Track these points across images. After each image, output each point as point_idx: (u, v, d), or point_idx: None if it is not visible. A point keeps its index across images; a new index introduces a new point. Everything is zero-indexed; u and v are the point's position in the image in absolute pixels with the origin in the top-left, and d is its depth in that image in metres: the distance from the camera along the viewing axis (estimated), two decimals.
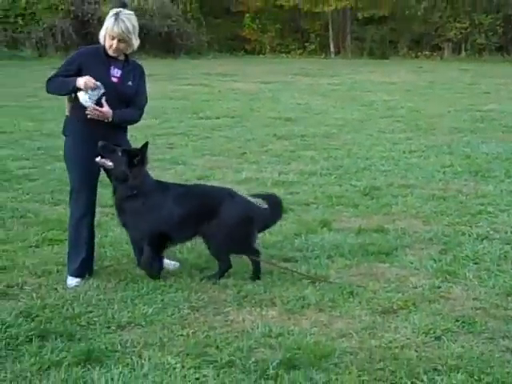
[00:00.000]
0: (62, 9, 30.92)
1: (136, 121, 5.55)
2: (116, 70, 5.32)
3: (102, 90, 5.15)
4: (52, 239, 6.33)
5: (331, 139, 11.90)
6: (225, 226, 5.32)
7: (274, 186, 8.46)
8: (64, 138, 5.54)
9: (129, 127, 5.66)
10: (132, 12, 5.40)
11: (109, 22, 5.22)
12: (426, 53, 34.80)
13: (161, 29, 30.22)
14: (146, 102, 5.59)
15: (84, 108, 5.19)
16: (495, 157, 10.15)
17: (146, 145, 5.36)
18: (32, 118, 14.05)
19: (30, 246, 6.17)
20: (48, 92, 5.41)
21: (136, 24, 5.32)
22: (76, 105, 5.27)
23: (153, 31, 30.11)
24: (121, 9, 5.33)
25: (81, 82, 5.11)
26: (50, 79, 5.36)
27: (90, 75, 5.15)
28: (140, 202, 5.29)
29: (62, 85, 5.26)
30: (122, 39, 5.20)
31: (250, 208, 5.51)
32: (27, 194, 8.00)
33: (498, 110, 15.33)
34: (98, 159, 5.23)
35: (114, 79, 5.32)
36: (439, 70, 26.60)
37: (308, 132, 12.49)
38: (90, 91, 5.11)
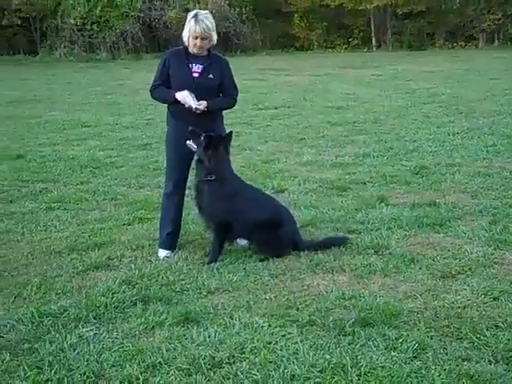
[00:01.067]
0: (131, 15, 31.24)
1: (230, 107, 5.65)
2: (197, 65, 5.38)
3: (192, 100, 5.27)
4: (141, 218, 6.47)
5: (380, 124, 11.80)
6: (274, 241, 5.27)
7: (332, 168, 8.47)
8: (167, 127, 5.65)
9: None
10: (207, 11, 5.47)
11: (190, 23, 5.27)
12: (462, 43, 34.08)
13: (219, 30, 30.20)
14: (237, 90, 5.64)
15: (176, 102, 5.32)
16: None
17: (230, 134, 5.40)
18: (111, 112, 14.28)
19: (123, 224, 6.32)
20: (153, 98, 5.60)
21: (213, 21, 5.37)
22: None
23: None
24: (197, 10, 5.42)
25: (179, 96, 5.26)
26: (153, 87, 5.50)
27: (174, 75, 5.35)
28: (215, 188, 5.28)
29: (165, 96, 5.45)
30: (204, 37, 5.26)
31: (295, 230, 5.48)
32: (115, 179, 8.17)
33: None
34: (187, 142, 5.31)
35: (195, 74, 5.37)
36: (475, 59, 26.03)
37: (358, 119, 12.40)
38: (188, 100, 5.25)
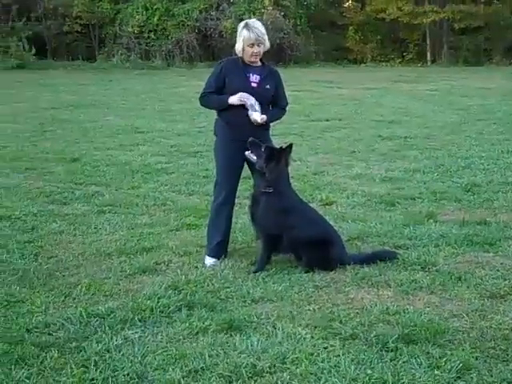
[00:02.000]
0: (188, 25, 31.66)
1: (280, 118, 5.74)
2: (255, 75, 5.44)
3: (252, 99, 5.32)
4: (190, 224, 6.55)
5: (432, 140, 11.66)
6: (323, 260, 5.25)
7: (381, 182, 8.41)
8: (215, 137, 5.73)
9: None
10: (256, 19, 5.55)
11: (243, 33, 5.33)
12: None
13: (273, 41, 30.38)
14: (287, 102, 5.72)
15: (228, 112, 5.40)
16: None
17: (290, 146, 5.39)
18: (164, 119, 14.51)
19: (172, 230, 6.41)
20: (202, 105, 5.65)
21: (264, 27, 5.46)
22: (223, 110, 5.48)
23: None
24: (246, 20, 5.50)
25: (234, 99, 5.32)
26: (204, 94, 5.53)
27: (232, 84, 5.37)
28: (271, 201, 5.30)
29: (219, 102, 5.48)
30: (260, 43, 5.32)
31: (344, 253, 5.42)
32: (165, 185, 8.29)
33: None
34: (246, 153, 5.35)
35: (254, 84, 5.43)
36: None
37: (410, 133, 12.28)
38: (253, 106, 5.30)
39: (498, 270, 5.16)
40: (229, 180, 5.57)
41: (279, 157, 5.30)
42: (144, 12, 31.93)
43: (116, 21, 32.58)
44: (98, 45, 33.65)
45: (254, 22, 5.40)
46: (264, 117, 5.35)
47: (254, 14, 30.78)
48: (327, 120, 14.20)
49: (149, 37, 31.86)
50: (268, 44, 5.45)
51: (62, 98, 18.30)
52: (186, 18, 31.70)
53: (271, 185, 5.29)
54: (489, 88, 20.99)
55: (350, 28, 35.84)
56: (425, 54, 34.93)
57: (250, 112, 5.34)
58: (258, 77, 5.44)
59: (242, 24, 5.44)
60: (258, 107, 5.34)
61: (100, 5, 32.61)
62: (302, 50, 32.49)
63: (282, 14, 31.71)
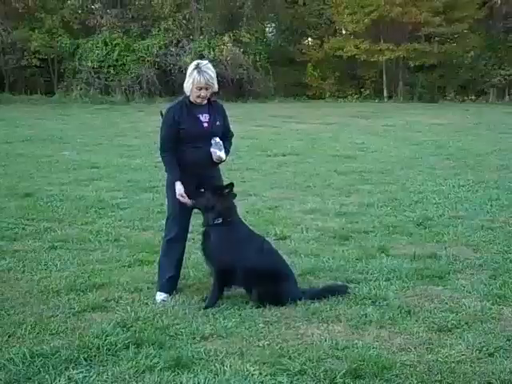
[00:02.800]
0: (147, 60, 31.77)
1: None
2: (204, 115, 5.47)
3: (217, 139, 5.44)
4: (142, 260, 6.49)
5: (386, 175, 11.84)
6: (276, 294, 5.24)
7: (336, 216, 8.47)
8: (166, 174, 5.70)
9: None
10: (207, 61, 5.56)
11: (193, 75, 5.33)
12: (472, 97, 34.36)
13: (233, 76, 30.71)
14: (232, 133, 5.79)
15: (181, 151, 5.46)
16: None
17: (231, 184, 5.51)
18: (121, 154, 14.43)
19: (124, 266, 6.33)
20: (161, 156, 5.59)
21: (214, 71, 5.48)
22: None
23: (226, 79, 30.59)
24: (198, 61, 5.52)
25: (179, 189, 5.40)
26: (165, 153, 5.52)
27: (185, 128, 5.38)
28: (221, 233, 5.32)
29: (171, 173, 5.55)
30: (208, 87, 5.36)
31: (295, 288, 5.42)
32: (119, 221, 8.21)
33: None
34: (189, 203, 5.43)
35: (205, 124, 5.46)
36: (484, 113, 26.16)
37: (365, 168, 12.45)
38: (218, 144, 5.44)
39: (446, 303, 5.22)
40: (180, 216, 5.56)
41: (222, 192, 5.38)
42: (104, 47, 31.95)
43: (75, 55, 32.48)
44: (57, 79, 33.45)
45: (205, 65, 5.40)
46: (222, 157, 5.44)
47: (213, 50, 31.13)
48: (284, 155, 14.31)
49: (108, 72, 31.84)
50: (216, 87, 5.47)
51: (17, 133, 18.07)
52: (145, 54, 31.82)
53: (219, 216, 5.32)
54: (442, 124, 21.49)
55: (309, 65, 36.40)
56: (381, 90, 35.64)
57: (213, 149, 5.41)
58: (207, 115, 5.48)
59: (192, 65, 5.44)
60: (220, 145, 5.43)
61: (59, 39, 32.52)
62: (261, 85, 32.85)
63: (242, 50, 32.07)
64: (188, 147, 5.43)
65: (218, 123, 5.51)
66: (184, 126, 5.41)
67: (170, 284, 5.56)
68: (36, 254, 6.73)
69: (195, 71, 5.34)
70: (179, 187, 5.39)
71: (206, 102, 5.51)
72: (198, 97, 5.39)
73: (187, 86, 5.40)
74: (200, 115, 5.46)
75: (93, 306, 5.19)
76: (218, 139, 5.44)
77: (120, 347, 4.35)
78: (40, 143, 16.13)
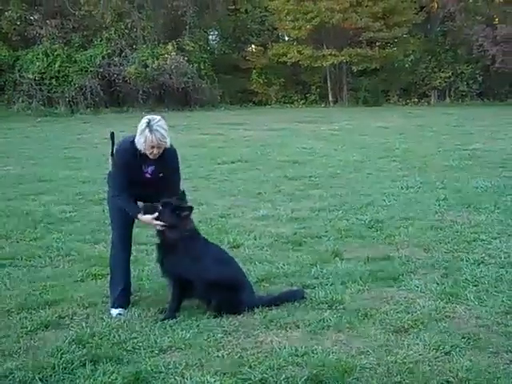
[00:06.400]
0: (90, 71, 31.35)
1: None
2: (149, 167, 5.41)
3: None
4: (95, 274, 6.37)
5: (336, 179, 11.96)
6: (233, 303, 5.24)
7: (288, 222, 8.50)
8: (107, 187, 5.65)
9: None
10: (159, 117, 5.37)
11: (145, 133, 5.17)
12: (415, 100, 35.09)
13: (178, 85, 30.55)
14: (180, 177, 5.66)
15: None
16: (484, 190, 10.20)
17: (183, 192, 5.49)
18: (68, 167, 14.16)
19: (77, 281, 6.21)
20: (114, 198, 5.56)
21: (166, 127, 5.31)
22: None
23: (171, 87, 30.48)
24: (149, 117, 5.29)
25: (144, 219, 5.38)
26: (120, 192, 5.47)
27: (129, 175, 5.36)
28: (181, 246, 5.27)
29: (131, 208, 5.48)
30: (160, 145, 5.25)
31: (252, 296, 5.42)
32: (70, 235, 8.04)
33: (483, 149, 15.41)
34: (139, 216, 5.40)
35: (147, 175, 5.43)
36: (427, 115, 26.74)
37: (315, 173, 12.54)
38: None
39: (401, 304, 5.29)
40: (123, 230, 5.56)
41: (179, 207, 5.33)
42: (45, 58, 31.34)
43: (15, 67, 31.78)
44: None
45: (157, 123, 5.21)
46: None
47: (157, 59, 30.89)
48: (233, 162, 14.28)
49: (50, 83, 31.24)
50: (169, 143, 5.32)
51: None
52: (88, 64, 31.36)
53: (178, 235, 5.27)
54: (387, 127, 21.84)
55: (254, 71, 36.54)
56: (327, 95, 36.05)
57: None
58: (152, 167, 5.41)
59: (144, 122, 5.23)
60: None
61: None
62: (206, 93, 32.78)
63: (186, 58, 31.95)
64: (133, 188, 5.42)
65: (161, 175, 5.44)
66: (128, 171, 5.37)
67: (123, 297, 5.49)
68: None
69: (147, 129, 5.17)
70: (146, 217, 5.35)
71: None
72: (151, 154, 5.28)
73: (139, 143, 5.23)
74: (145, 165, 5.39)
75: (46, 323, 5.06)
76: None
77: (76, 365, 4.26)
78: None
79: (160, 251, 5.43)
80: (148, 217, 5.33)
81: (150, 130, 5.17)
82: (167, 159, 5.45)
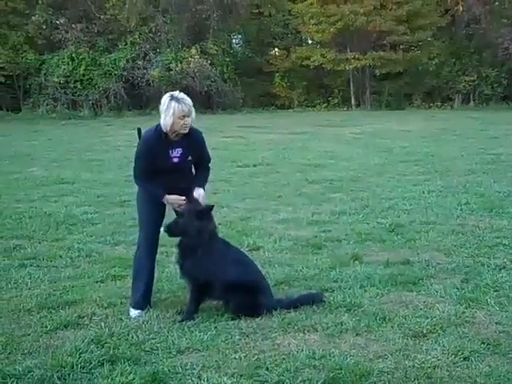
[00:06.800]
0: (114, 74, 31.63)
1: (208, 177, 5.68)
2: (177, 150, 5.36)
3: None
4: (115, 275, 6.41)
5: (357, 182, 11.91)
6: (252, 306, 5.20)
7: (308, 225, 8.48)
8: (138, 187, 5.65)
9: None
10: (179, 91, 5.44)
11: (171, 105, 5.18)
12: (438, 103, 34.90)
13: (201, 88, 30.71)
14: (210, 159, 5.66)
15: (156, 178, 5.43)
16: (507, 195, 10.08)
17: (211, 207, 5.42)
18: (91, 169, 14.31)
19: (96, 282, 6.24)
20: (137, 184, 5.55)
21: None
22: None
23: (194, 91, 30.59)
24: (170, 93, 5.34)
25: (172, 200, 5.38)
26: (141, 180, 5.46)
27: (155, 161, 5.31)
28: (201, 249, 5.26)
29: (154, 195, 5.45)
30: (190, 113, 5.24)
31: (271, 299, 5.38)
32: (91, 236, 8.11)
33: (507, 153, 15.24)
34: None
35: (175, 159, 5.37)
36: (450, 119, 26.55)
37: (336, 176, 12.52)
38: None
39: (420, 309, 5.24)
40: (151, 230, 5.51)
41: (203, 216, 5.29)
42: (70, 62, 31.74)
43: (41, 71, 32.23)
44: (23, 95, 33.13)
45: (181, 95, 5.30)
46: (199, 196, 5.39)
47: (180, 62, 31.12)
48: (254, 165, 14.32)
49: (75, 87, 31.63)
50: (195, 114, 5.36)
51: None
52: (112, 68, 31.71)
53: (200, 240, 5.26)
54: (410, 130, 21.73)
55: (277, 75, 36.63)
56: (349, 98, 35.99)
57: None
58: (180, 150, 5.37)
59: (167, 97, 5.27)
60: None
61: (24, 55, 32.22)
62: (229, 96, 32.93)
63: (209, 62, 32.11)
64: (159, 177, 5.39)
65: (189, 158, 5.42)
66: (155, 158, 5.34)
67: (143, 300, 5.48)
68: (5, 272, 6.60)
69: (173, 101, 5.21)
70: (172, 197, 5.36)
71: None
72: (182, 126, 5.25)
73: (167, 119, 5.21)
74: (173, 150, 5.36)
75: (65, 323, 5.09)
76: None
77: (94, 364, 4.28)
78: (7, 160, 15.91)
79: (180, 252, 5.44)
80: (174, 197, 5.34)
81: (176, 101, 5.21)
82: (195, 140, 5.43)
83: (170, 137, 5.32)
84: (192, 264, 5.30)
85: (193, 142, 5.41)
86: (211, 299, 5.42)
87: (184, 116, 5.23)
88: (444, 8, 35.97)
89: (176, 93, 5.34)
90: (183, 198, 5.34)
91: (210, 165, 5.69)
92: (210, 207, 5.40)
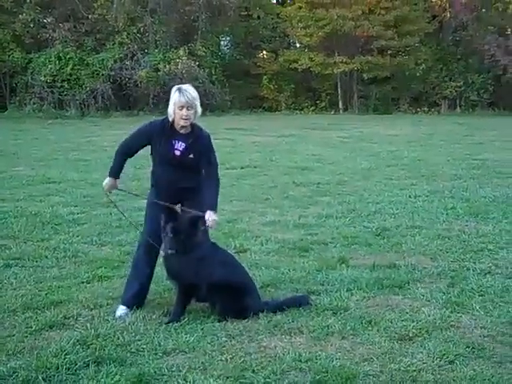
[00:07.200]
0: (102, 74, 31.51)
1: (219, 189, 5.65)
2: (180, 143, 5.39)
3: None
4: (101, 276, 6.37)
5: (344, 186, 11.94)
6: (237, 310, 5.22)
7: (295, 228, 8.49)
8: (151, 186, 5.75)
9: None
10: (190, 85, 5.56)
11: (174, 96, 5.33)
12: (425, 109, 35.10)
13: None
14: (217, 164, 5.64)
15: (156, 174, 5.62)
16: (492, 200, 10.16)
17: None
18: (77, 169, 14.23)
19: (82, 282, 6.21)
20: (117, 152, 5.65)
21: (197, 93, 5.43)
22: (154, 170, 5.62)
23: None
24: (180, 85, 5.52)
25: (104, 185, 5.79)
26: (120, 147, 5.63)
27: (157, 148, 5.43)
28: (188, 251, 5.25)
29: (112, 166, 5.68)
30: (190, 106, 5.29)
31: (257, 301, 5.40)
32: (77, 237, 8.06)
33: (492, 159, 15.38)
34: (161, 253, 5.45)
35: (177, 152, 5.40)
36: (437, 124, 26.70)
37: (323, 180, 12.54)
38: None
39: (406, 313, 5.26)
40: (154, 231, 5.46)
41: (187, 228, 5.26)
42: (57, 61, 31.54)
43: (28, 70, 32.01)
44: (9, 94, 32.91)
45: (187, 87, 5.43)
46: (213, 221, 5.38)
47: (168, 63, 31.05)
48: (242, 168, 14.32)
49: (62, 86, 31.44)
50: (200, 110, 5.40)
51: None
52: (100, 68, 31.56)
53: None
54: (397, 135, 21.84)
55: (265, 77, 36.67)
56: (337, 102, 36.11)
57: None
58: (184, 144, 5.39)
59: (175, 88, 5.44)
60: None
61: (11, 54, 32.01)
62: (217, 98, 32.87)
63: (197, 63, 32.07)
64: (159, 168, 5.53)
65: (191, 156, 5.40)
66: (157, 144, 5.42)
67: (133, 298, 5.47)
68: None
69: (177, 92, 5.34)
70: (107, 182, 5.66)
71: (189, 129, 5.42)
72: (181, 118, 5.30)
73: (170, 108, 5.35)
74: (176, 141, 5.40)
75: (51, 324, 5.06)
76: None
77: (80, 366, 4.26)
78: None
79: (166, 254, 5.41)
80: (107, 183, 5.66)
81: (179, 92, 5.32)
82: (200, 141, 5.44)
83: (176, 128, 5.39)
84: (179, 266, 5.29)
85: (198, 142, 5.43)
86: (198, 301, 5.41)
87: (182, 107, 5.28)
88: (431, 14, 36.20)
89: (185, 85, 5.49)
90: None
91: (218, 174, 5.63)
92: (201, 216, 5.35)
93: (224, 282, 5.20)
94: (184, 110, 5.29)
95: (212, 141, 5.56)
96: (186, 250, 5.20)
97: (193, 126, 5.46)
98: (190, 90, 5.37)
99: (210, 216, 5.34)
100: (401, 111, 35.16)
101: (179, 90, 5.36)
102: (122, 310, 5.38)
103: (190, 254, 5.23)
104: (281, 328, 4.95)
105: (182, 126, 5.38)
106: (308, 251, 7.32)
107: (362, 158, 16.07)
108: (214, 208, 5.42)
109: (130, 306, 5.41)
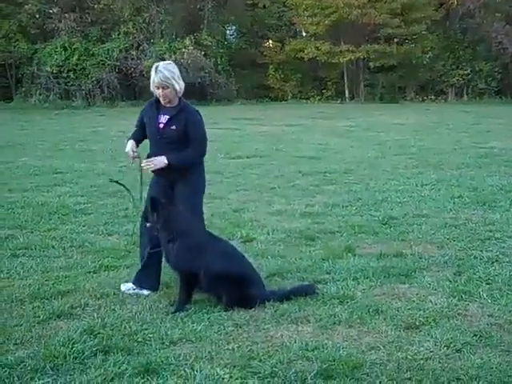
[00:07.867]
0: (108, 64, 31.50)
1: (194, 162, 5.62)
2: (165, 116, 5.49)
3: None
4: (108, 266, 6.38)
5: (350, 175, 11.91)
6: (242, 300, 5.20)
7: (301, 217, 8.48)
8: None
9: None
10: (170, 62, 5.63)
11: (152, 74, 5.45)
12: (432, 97, 34.95)
13: (195, 80, 30.59)
14: (205, 144, 5.63)
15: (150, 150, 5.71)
16: (500, 188, 10.10)
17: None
18: (84, 159, 14.25)
19: (89, 272, 6.22)
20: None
21: (174, 70, 5.43)
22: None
23: (187, 82, 30.45)
24: (159, 62, 5.57)
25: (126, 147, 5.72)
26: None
27: (146, 121, 5.61)
28: (185, 239, 5.29)
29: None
30: (164, 86, 5.36)
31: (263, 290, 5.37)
32: (83, 226, 8.08)
33: (499, 147, 15.28)
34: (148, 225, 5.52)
35: (161, 125, 5.51)
36: (444, 112, 26.57)
37: (329, 169, 12.51)
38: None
39: (413, 301, 5.25)
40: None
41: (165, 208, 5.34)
42: (63, 52, 31.58)
43: (34, 60, 32.05)
44: (15, 85, 32.94)
45: (163, 66, 5.42)
46: (154, 160, 5.46)
47: (174, 53, 31.00)
48: (248, 157, 14.30)
49: (68, 76, 31.49)
50: (178, 88, 5.41)
51: None
52: (106, 58, 31.58)
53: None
54: (403, 124, 21.74)
55: (271, 67, 36.56)
56: (343, 91, 35.98)
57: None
58: (168, 117, 5.49)
59: (153, 66, 5.50)
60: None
61: (17, 44, 32.02)
62: (223, 88, 32.84)
63: (203, 53, 32.00)
64: (151, 148, 5.67)
65: (173, 127, 5.46)
66: (146, 120, 5.63)
67: (136, 276, 5.65)
68: None
69: (153, 71, 5.42)
70: (127, 144, 5.66)
71: (175, 103, 5.50)
72: (159, 96, 5.45)
73: (151, 85, 5.51)
74: (161, 115, 5.51)
75: (58, 313, 5.07)
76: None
77: (87, 355, 4.27)
78: None
79: (164, 244, 5.44)
80: (128, 145, 5.64)
81: (155, 72, 5.38)
82: (185, 115, 5.49)
83: (162, 103, 5.49)
84: (177, 256, 5.30)
85: (183, 116, 5.48)
86: (202, 291, 5.40)
87: (158, 87, 5.38)
88: (438, 1, 35.94)
89: (163, 63, 5.51)
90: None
91: (200, 151, 5.62)
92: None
93: (227, 272, 5.19)
94: (160, 89, 5.39)
95: (200, 118, 5.60)
96: (165, 225, 5.27)
97: (180, 100, 5.54)
98: (164, 70, 5.35)
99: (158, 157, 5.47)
100: (407, 100, 35.02)
101: (156, 68, 5.39)
102: (127, 285, 5.63)
103: (181, 238, 5.26)
104: (287, 317, 4.94)
105: (165, 102, 5.50)
106: (314, 240, 7.31)
107: (369, 146, 16.01)
108: (169, 157, 5.43)
109: (132, 282, 5.63)
